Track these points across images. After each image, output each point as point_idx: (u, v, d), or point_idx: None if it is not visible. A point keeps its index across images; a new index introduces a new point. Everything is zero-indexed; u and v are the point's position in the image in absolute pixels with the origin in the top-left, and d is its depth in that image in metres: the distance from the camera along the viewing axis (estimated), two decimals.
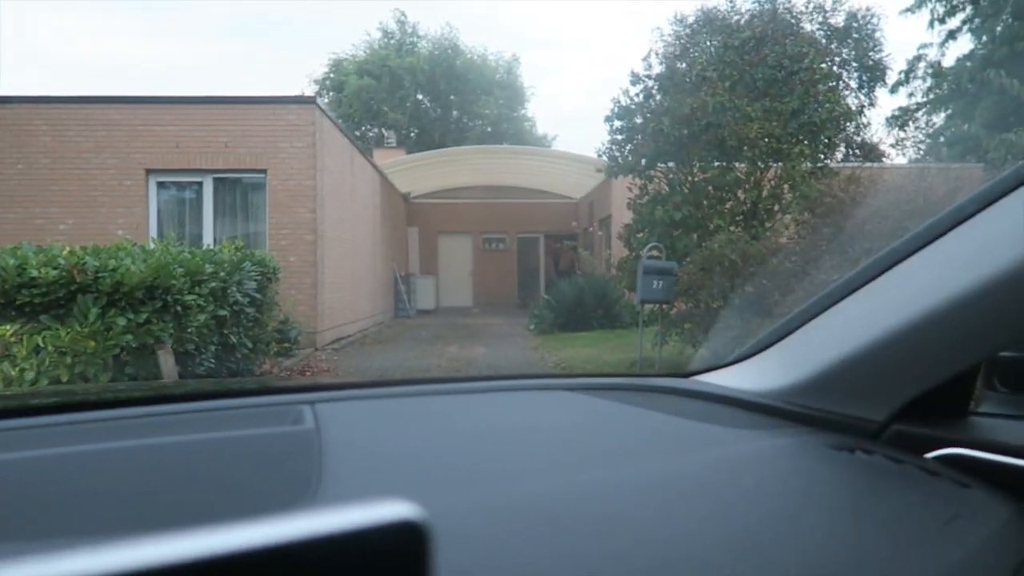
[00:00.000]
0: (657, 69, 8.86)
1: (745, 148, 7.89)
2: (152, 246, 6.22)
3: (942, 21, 18.82)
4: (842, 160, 8.75)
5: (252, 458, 0.72)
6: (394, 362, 9.16)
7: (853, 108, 8.53)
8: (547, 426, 0.92)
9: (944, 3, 18.78)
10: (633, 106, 8.55)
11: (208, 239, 9.95)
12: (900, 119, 19.32)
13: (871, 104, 9.28)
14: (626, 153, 8.55)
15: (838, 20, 9.26)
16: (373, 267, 14.99)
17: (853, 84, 9.26)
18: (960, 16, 18.73)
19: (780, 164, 8.01)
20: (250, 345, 6.75)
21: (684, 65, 8.67)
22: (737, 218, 8.12)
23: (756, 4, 9.11)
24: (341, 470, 0.71)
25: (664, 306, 7.52)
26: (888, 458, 0.83)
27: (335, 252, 11.37)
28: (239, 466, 0.70)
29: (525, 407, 1.01)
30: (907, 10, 19.28)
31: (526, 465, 0.77)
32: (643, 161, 8.33)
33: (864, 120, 8.61)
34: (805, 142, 8.05)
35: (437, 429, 0.87)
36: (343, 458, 0.73)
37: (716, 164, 8.22)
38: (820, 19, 9.14)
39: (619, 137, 8.62)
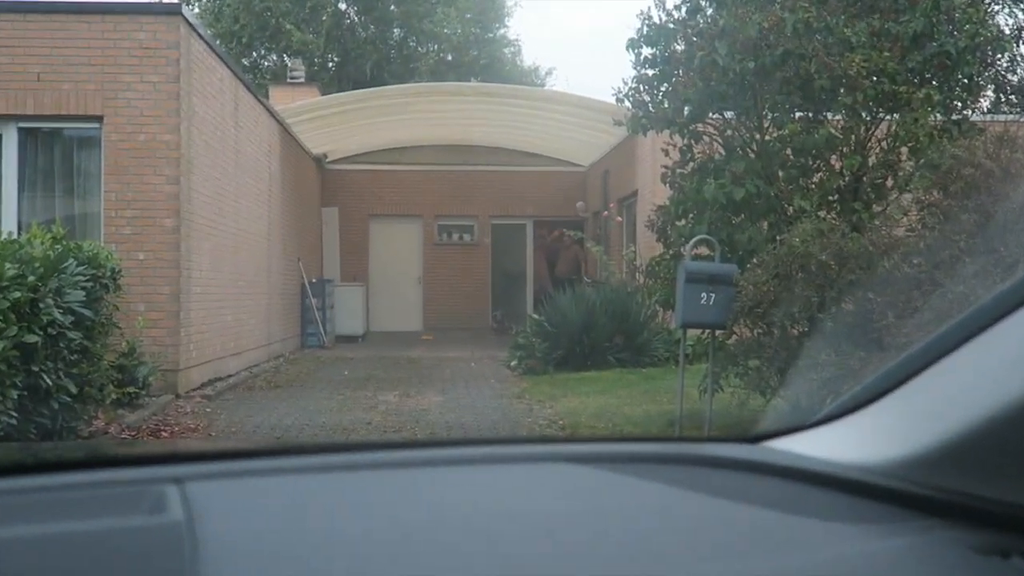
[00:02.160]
0: None
1: (842, 91, 7.96)
2: None
3: None
4: (989, 111, 8.86)
5: (87, 568, 0.71)
6: (300, 418, 9.11)
7: (1007, 32, 8.65)
8: (540, 517, 0.92)
9: None
10: (672, 25, 8.60)
11: (9, 224, 9.85)
12: None
13: None
14: (660, 97, 8.59)
15: None
16: (268, 269, 14.93)
17: None
18: None
19: (896, 116, 8.10)
20: (74, 390, 6.66)
21: None
22: (830, 198, 8.19)
23: None
24: None
25: (718, 332, 7.53)
26: None
27: (209, 246, 11.30)
28: None
29: (505, 489, 1.01)
30: None
31: None
32: (686, 110, 8.37)
33: (1022, 50, 8.74)
34: (933, 83, 8.15)
35: (372, 522, 0.87)
36: (229, 566, 0.73)
37: (798, 115, 8.29)
38: None
39: (650, 73, 8.66)
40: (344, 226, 21.53)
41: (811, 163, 8.35)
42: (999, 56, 8.62)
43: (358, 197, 21.61)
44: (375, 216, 21.88)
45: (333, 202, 21.33)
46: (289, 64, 25.02)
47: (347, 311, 19.23)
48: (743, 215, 8.19)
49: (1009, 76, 8.90)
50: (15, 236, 7.12)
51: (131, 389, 8.83)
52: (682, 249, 8.13)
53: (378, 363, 14.53)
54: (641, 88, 8.70)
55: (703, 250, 7.95)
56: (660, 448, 1.13)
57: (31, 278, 6.13)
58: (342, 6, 30.11)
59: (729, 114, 8.59)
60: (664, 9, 8.68)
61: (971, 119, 8.31)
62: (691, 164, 8.60)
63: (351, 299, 19.47)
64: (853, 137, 8.22)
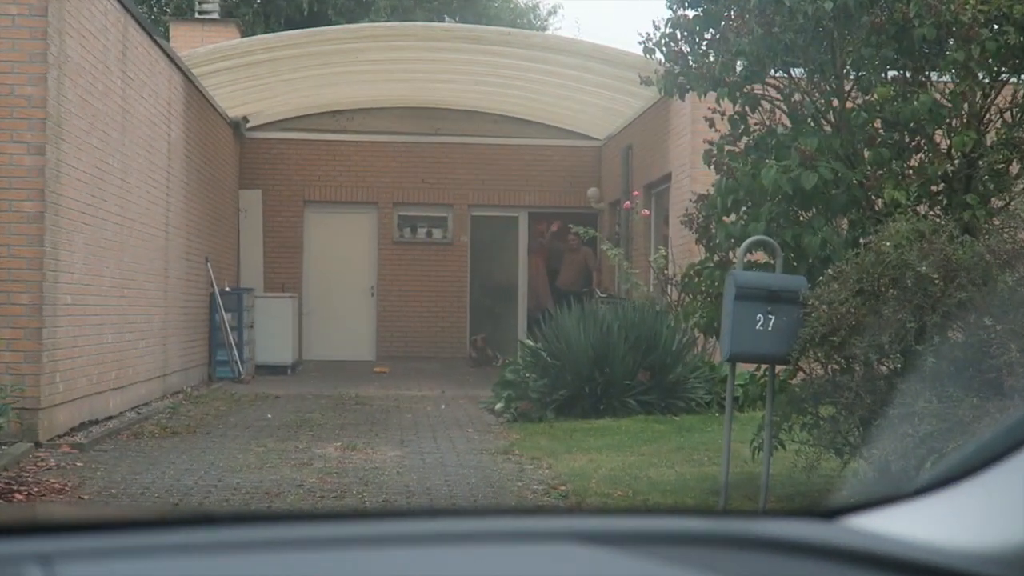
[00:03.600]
0: None
1: (952, 43, 8.00)
2: None
3: None
4: None
5: None
6: (206, 477, 9.09)
7: None
8: None
9: None
10: None
11: None
12: None
13: None
14: (704, 48, 8.61)
15: None
16: (165, 274, 14.89)
17: None
18: None
19: (1023, 78, 8.14)
20: None
21: None
22: (933, 188, 8.23)
23: None
24: None
25: (778, 368, 7.54)
26: None
27: (84, 240, 11.27)
28: None
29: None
30: None
31: None
32: (739, 65, 8.40)
33: None
34: None
35: None
36: None
37: (891, 74, 8.32)
38: None
39: (690, 14, 8.69)
40: (270, 216, 21.50)
41: (908, 140, 8.38)
42: None
43: (289, 176, 21.57)
44: (312, 203, 21.86)
45: (255, 183, 21.29)
46: None
47: (272, 332, 19.15)
48: (815, 209, 8.20)
49: None
50: None
51: None
52: (731, 254, 8.14)
53: (314, 403, 14.50)
54: (678, 35, 8.72)
55: (760, 256, 7.96)
56: (705, 525, 1.13)
57: None
58: None
59: (797, 72, 8.61)
60: None
61: None
62: (745, 139, 8.61)
63: (278, 316, 19.37)
64: (966, 106, 8.26)
